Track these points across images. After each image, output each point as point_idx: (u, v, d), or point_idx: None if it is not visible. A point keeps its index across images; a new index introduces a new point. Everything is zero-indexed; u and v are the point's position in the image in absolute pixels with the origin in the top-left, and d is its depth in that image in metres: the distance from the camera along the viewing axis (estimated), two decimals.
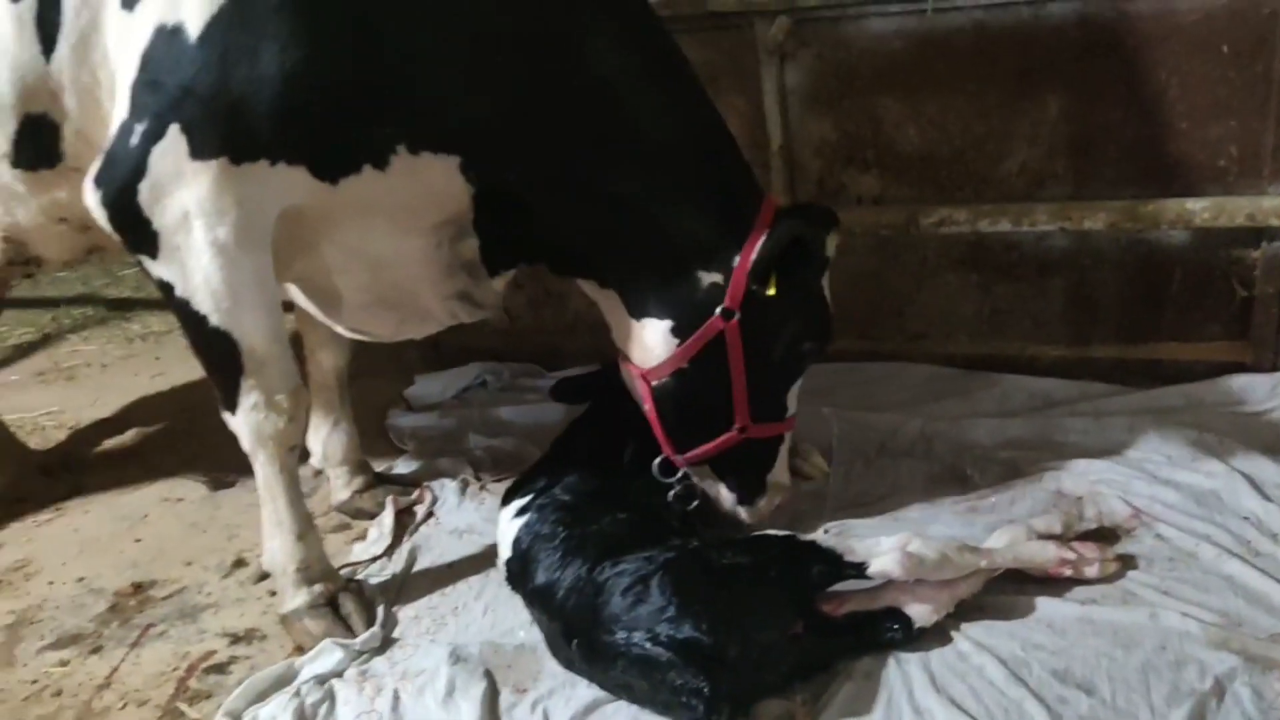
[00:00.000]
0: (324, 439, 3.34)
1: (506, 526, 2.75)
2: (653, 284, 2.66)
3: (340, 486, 3.35)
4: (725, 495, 2.84)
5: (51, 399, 4.51)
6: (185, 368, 4.58)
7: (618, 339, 2.81)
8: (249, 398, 2.54)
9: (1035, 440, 3.17)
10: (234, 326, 2.46)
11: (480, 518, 3.16)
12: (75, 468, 3.84)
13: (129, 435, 4.12)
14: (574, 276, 2.83)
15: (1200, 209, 3.21)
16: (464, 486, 3.35)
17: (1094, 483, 2.91)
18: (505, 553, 2.73)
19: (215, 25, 2.26)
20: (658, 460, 2.80)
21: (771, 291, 2.56)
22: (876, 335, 3.78)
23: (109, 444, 4.07)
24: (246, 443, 2.63)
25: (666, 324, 2.66)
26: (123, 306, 5.64)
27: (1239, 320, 3.41)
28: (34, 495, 3.64)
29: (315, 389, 3.23)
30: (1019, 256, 3.54)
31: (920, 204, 3.50)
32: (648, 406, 2.75)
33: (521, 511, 2.72)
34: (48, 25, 2.40)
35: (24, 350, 5.21)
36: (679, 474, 2.80)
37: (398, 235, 2.60)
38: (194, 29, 2.27)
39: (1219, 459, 2.93)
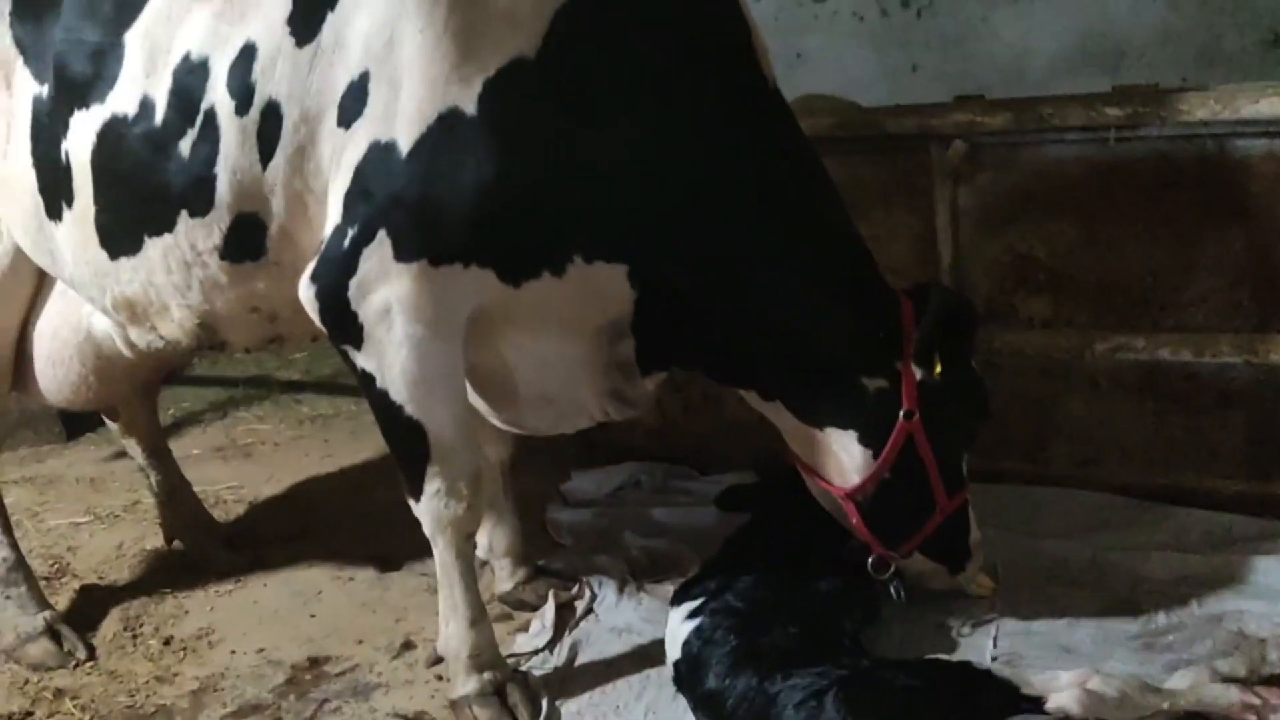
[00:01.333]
0: (489, 530, 3.43)
1: (677, 628, 2.77)
2: (821, 395, 2.77)
3: (504, 578, 3.43)
4: (936, 572, 2.95)
5: (230, 473, 4.73)
6: (351, 450, 4.81)
7: (801, 453, 2.90)
8: (433, 484, 2.67)
9: (1215, 577, 3.04)
10: (425, 416, 2.61)
11: (639, 617, 3.19)
12: (254, 541, 4.00)
13: (301, 512, 4.29)
14: (734, 385, 2.92)
15: None
16: (622, 585, 3.38)
17: (1278, 625, 2.77)
18: (674, 654, 2.75)
19: (423, 143, 2.46)
20: (871, 559, 2.88)
21: (938, 370, 2.68)
22: (1044, 459, 3.71)
23: (283, 520, 4.24)
24: (428, 528, 2.75)
25: (852, 435, 2.76)
26: (293, 388, 5.91)
27: None
28: (217, 565, 3.80)
29: None
30: (1198, 386, 3.44)
31: (1095, 329, 3.46)
32: (855, 521, 2.83)
33: (693, 614, 2.74)
34: (267, 137, 2.61)
35: (203, 426, 5.51)
36: (890, 570, 2.88)
37: (566, 336, 2.75)
38: (405, 146, 2.47)
39: None
